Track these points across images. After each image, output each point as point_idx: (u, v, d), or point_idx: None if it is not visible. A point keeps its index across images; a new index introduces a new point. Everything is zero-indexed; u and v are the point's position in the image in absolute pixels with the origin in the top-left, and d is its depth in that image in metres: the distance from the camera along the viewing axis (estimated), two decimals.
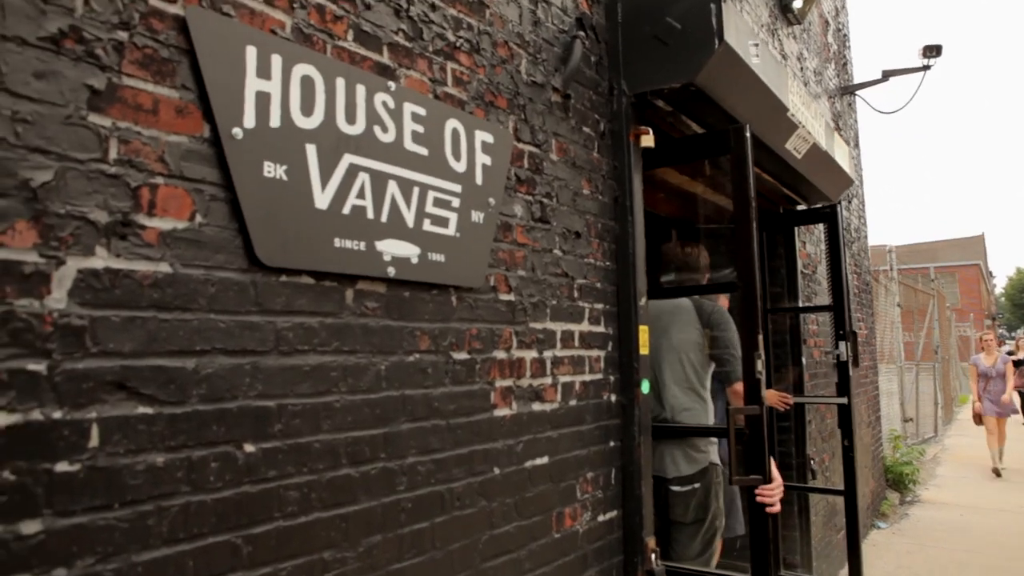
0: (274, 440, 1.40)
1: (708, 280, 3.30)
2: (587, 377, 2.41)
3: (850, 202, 6.94)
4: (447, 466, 1.80)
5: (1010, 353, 12.21)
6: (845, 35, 7.77)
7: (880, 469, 7.44)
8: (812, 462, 4.56)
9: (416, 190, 1.78)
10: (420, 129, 1.82)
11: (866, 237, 7.59)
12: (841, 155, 4.27)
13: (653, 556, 2.55)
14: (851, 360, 4.50)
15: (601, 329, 2.53)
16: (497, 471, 1.96)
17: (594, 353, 2.48)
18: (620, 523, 2.54)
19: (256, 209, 1.42)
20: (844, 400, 4.40)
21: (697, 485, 2.80)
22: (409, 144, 1.78)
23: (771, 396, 4.28)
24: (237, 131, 1.40)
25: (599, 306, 2.53)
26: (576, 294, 2.40)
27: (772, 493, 2.54)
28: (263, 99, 1.46)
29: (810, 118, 3.76)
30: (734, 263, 2.73)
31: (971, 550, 6.04)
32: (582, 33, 2.55)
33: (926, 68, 7.46)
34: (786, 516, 4.58)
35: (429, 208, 1.81)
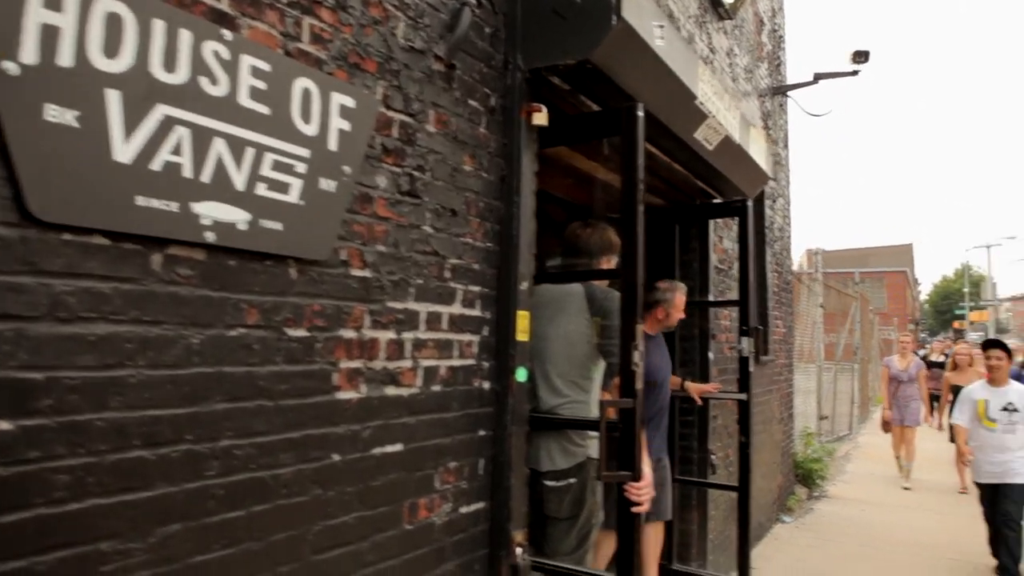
0: (40, 417, 1.25)
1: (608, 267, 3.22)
2: (456, 362, 2.31)
3: (775, 201, 7.00)
4: (273, 451, 1.67)
5: (924, 357, 12.47)
6: (780, 36, 7.82)
7: (789, 465, 7.57)
8: (713, 457, 4.57)
9: (250, 151, 1.63)
10: (262, 85, 1.67)
11: (790, 237, 7.69)
12: (757, 151, 4.25)
13: (519, 550, 2.46)
14: (753, 356, 4.52)
15: (476, 313, 2.42)
16: (337, 457, 1.84)
17: (466, 337, 2.37)
18: (487, 515, 2.45)
19: (31, 156, 1.25)
20: (744, 396, 4.41)
21: (573, 480, 2.73)
22: (245, 100, 1.63)
23: (693, 387, 4.36)
24: (11, 66, 1.24)
25: (475, 288, 2.42)
26: (448, 274, 2.28)
27: (640, 491, 2.49)
28: (50, 33, 1.29)
29: (723, 109, 3.71)
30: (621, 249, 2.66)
31: (868, 545, 6.19)
32: (473, 0, 2.43)
33: (855, 73, 7.56)
34: (684, 510, 4.58)
35: (266, 171, 1.67)
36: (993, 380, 5.46)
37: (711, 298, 4.62)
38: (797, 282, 9.86)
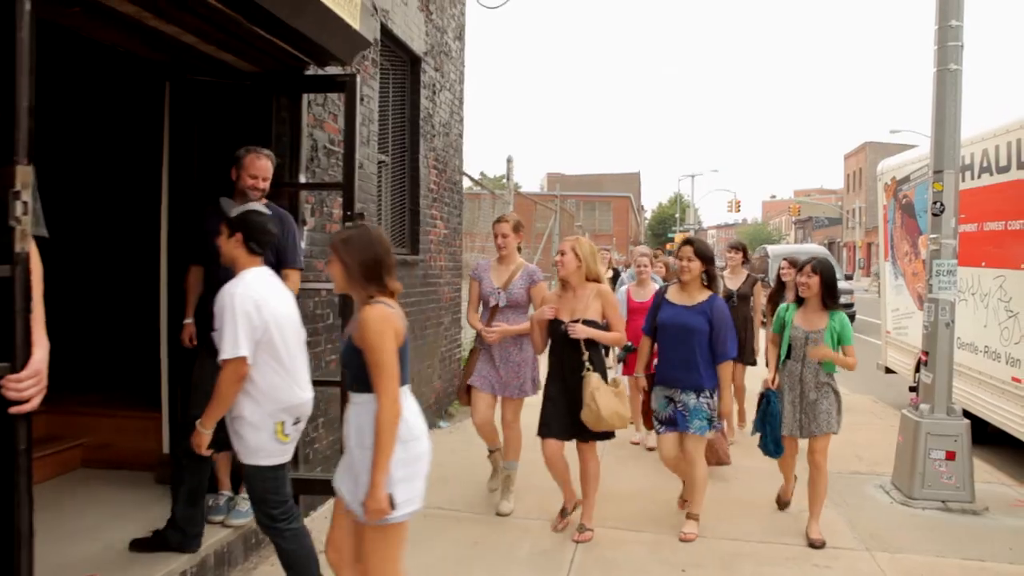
0: None
1: None
2: None
3: (435, 93, 6.57)
4: None
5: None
6: None
7: (454, 370, 7.45)
8: None
9: None
10: None
11: (460, 135, 7.36)
12: (343, 3, 3.63)
13: None
14: None
15: None
16: None
17: None
18: None
19: None
20: (332, 286, 3.98)
21: None
22: None
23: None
24: None
25: None
26: None
27: (22, 386, 1.83)
28: None
29: None
30: None
31: None
32: None
33: None
34: None
35: None
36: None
37: (302, 179, 4.02)
38: (481, 188, 9.74)
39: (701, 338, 4.06)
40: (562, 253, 4.05)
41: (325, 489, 4.21)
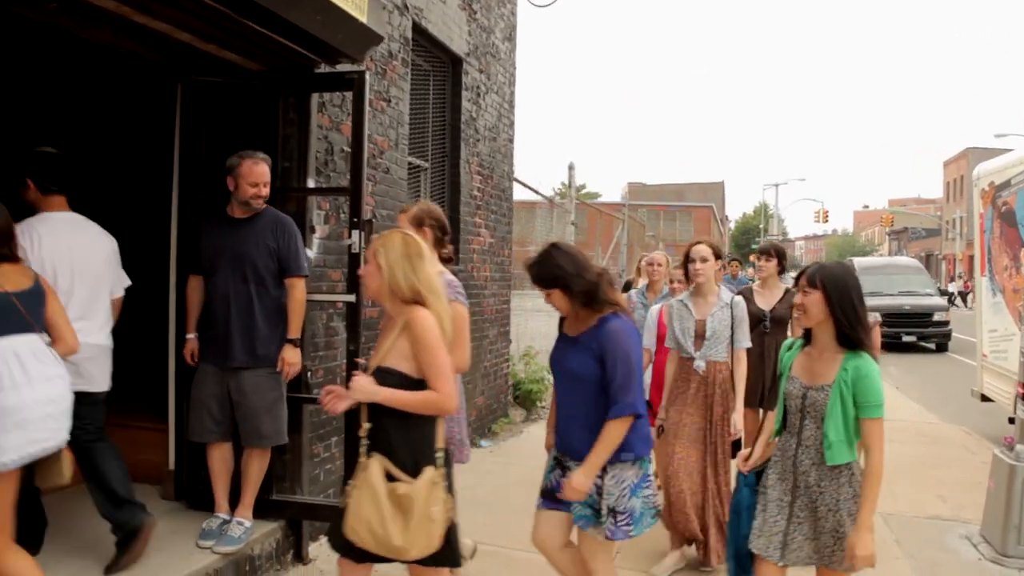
0: None
1: None
2: None
3: (480, 96, 6.26)
4: None
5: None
6: None
7: (502, 386, 7.11)
8: (308, 374, 3.83)
9: None
10: None
11: (510, 140, 7.02)
12: None
13: None
14: (363, 252, 3.80)
15: None
16: None
17: None
18: None
19: None
20: (352, 297, 3.75)
21: None
22: None
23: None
24: None
25: None
26: None
27: None
28: None
29: None
30: None
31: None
32: None
33: None
34: None
35: None
36: None
37: (310, 184, 3.77)
38: (541, 198, 9.39)
39: (590, 387, 2.66)
40: (365, 262, 2.58)
41: (331, 515, 3.97)
